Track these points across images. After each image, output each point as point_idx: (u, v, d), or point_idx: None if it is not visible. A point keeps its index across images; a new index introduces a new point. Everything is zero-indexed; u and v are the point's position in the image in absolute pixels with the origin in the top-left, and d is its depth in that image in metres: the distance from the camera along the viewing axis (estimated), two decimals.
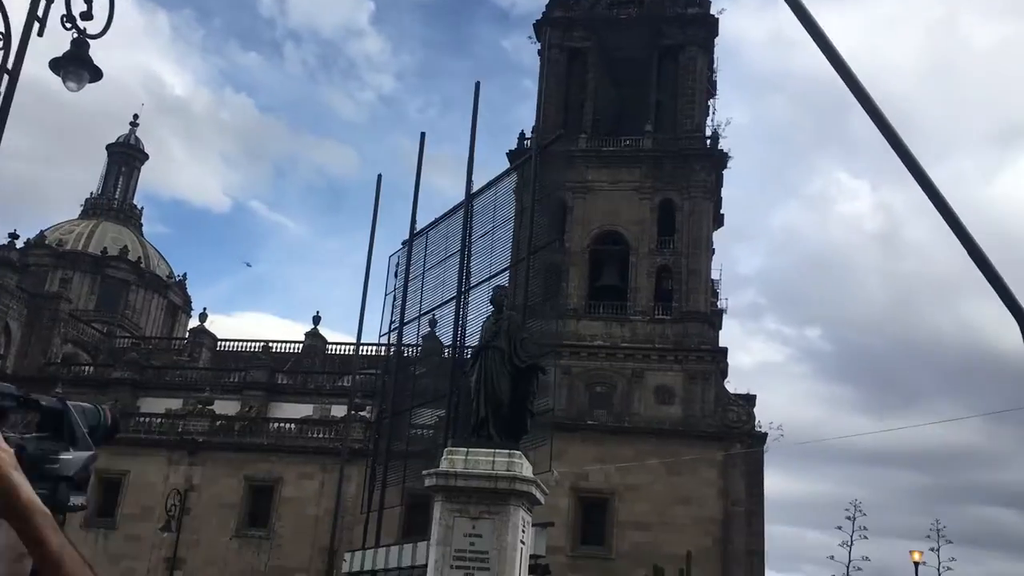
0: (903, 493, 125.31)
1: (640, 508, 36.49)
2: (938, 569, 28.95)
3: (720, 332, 43.12)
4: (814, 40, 7.35)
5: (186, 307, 64.53)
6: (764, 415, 60.30)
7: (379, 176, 28.56)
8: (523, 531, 11.99)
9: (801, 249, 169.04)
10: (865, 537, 24.29)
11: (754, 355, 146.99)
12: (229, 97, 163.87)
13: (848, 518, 23.49)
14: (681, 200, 41.94)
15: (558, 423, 38.00)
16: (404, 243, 24.80)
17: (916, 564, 28.19)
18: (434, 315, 23.98)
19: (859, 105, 7.45)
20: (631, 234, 41.85)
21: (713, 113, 45.14)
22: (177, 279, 64.40)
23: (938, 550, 26.40)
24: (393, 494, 23.59)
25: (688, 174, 42.08)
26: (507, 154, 41.59)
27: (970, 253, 7.11)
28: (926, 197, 7.48)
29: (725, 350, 41.29)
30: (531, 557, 15.31)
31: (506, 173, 21.80)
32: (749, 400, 41.72)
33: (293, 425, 41.45)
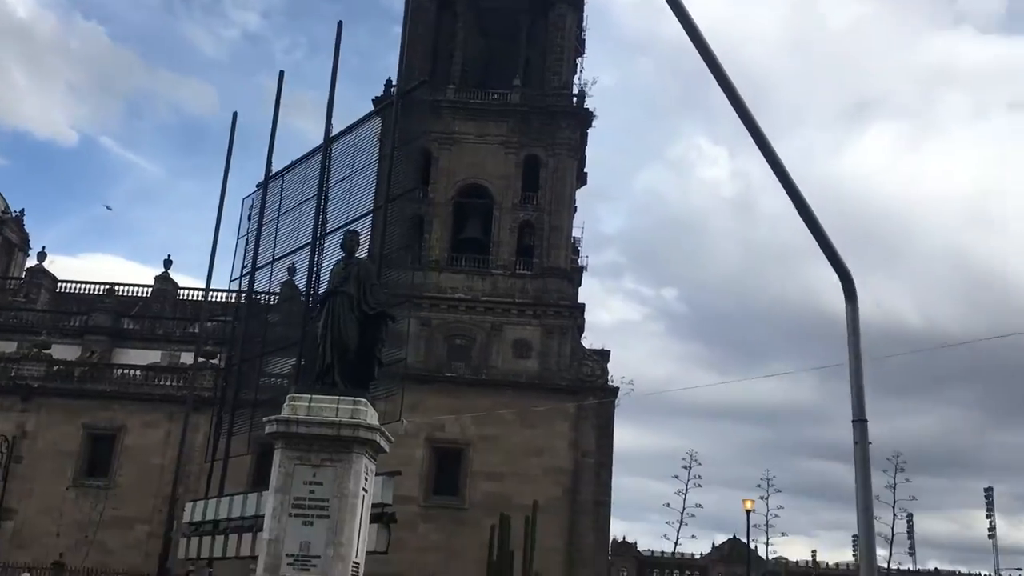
0: (742, 447, 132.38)
1: (494, 459, 37.03)
2: (766, 516, 30.68)
3: (579, 289, 43.91)
4: (671, 9, 7.37)
5: (23, 245, 60.49)
6: (619, 371, 62.10)
7: (234, 114, 27.31)
8: (366, 479, 11.84)
9: (662, 211, 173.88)
10: (699, 486, 25.47)
11: (613, 313, 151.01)
12: (78, 24, 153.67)
13: (684, 467, 24.55)
14: (546, 157, 42.19)
15: (415, 375, 38.04)
16: (259, 186, 23.92)
17: (748, 512, 29.85)
18: (293, 263, 23.33)
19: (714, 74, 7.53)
20: (496, 188, 41.87)
21: (581, 72, 45.43)
22: (13, 215, 60.25)
23: (767, 498, 28.07)
24: (241, 443, 23.03)
25: (554, 131, 42.33)
26: (372, 101, 40.69)
27: (801, 214, 7.35)
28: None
29: (583, 306, 42.10)
30: (377, 506, 15.22)
31: (367, 117, 21.26)
32: (604, 356, 42.86)
33: (138, 372, 39.80)
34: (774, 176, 7.33)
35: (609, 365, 41.34)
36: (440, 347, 39.62)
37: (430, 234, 41.31)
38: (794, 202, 7.03)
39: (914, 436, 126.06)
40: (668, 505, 24.65)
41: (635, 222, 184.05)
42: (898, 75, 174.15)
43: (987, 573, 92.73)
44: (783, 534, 29.97)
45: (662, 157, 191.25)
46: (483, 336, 39.69)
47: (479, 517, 34.52)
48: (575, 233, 44.01)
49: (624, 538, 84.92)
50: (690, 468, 23.91)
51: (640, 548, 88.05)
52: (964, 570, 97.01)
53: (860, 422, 7.18)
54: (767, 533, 28.55)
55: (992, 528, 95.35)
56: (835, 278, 7.45)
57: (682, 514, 24.05)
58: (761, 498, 27.79)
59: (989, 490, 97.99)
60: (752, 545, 61.79)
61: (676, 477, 24.51)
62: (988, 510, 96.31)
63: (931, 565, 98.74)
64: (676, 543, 25.21)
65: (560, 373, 39.08)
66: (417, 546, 34.82)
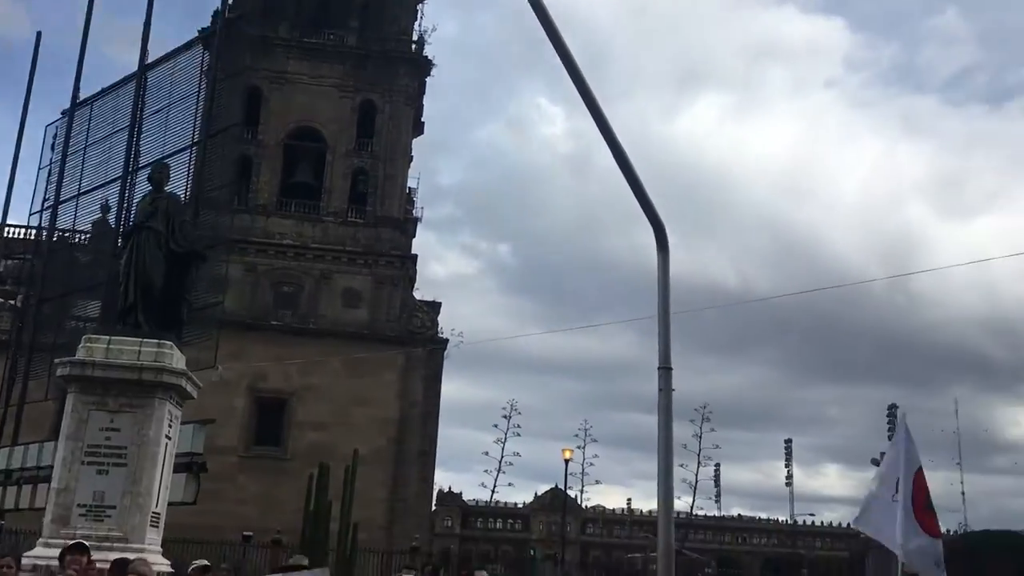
0: (567, 400, 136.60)
1: (319, 409, 36.40)
2: (582, 465, 31.75)
3: (413, 240, 43.52)
4: None
5: None
6: (451, 324, 62.35)
7: (38, 34, 24.98)
8: (170, 426, 11.24)
9: (500, 167, 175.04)
10: (518, 435, 25.99)
11: (448, 266, 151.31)
12: None
13: (505, 417, 24.98)
14: (382, 103, 41.30)
15: (238, 321, 36.66)
16: (64, 113, 22.08)
17: (566, 461, 30.97)
18: (106, 199, 21.74)
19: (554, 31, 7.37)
20: (329, 132, 40.67)
21: (421, 19, 44.52)
22: None
23: (584, 448, 29.02)
24: (39, 389, 21.44)
25: (391, 77, 41.43)
26: (199, 31, 38.37)
27: (617, 160, 7.37)
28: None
29: (415, 257, 41.77)
30: (186, 455, 14.56)
31: (186, 46, 19.92)
32: (434, 307, 42.76)
33: None
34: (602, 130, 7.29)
35: (440, 317, 41.44)
36: (266, 294, 38.39)
37: (258, 177, 39.73)
38: (611, 148, 7.03)
39: (725, 391, 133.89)
40: (487, 454, 25.17)
41: (473, 176, 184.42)
42: (726, 48, 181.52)
43: (784, 518, 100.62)
44: (597, 482, 31.33)
45: (502, 113, 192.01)
46: (311, 284, 38.74)
47: (301, 468, 33.80)
48: (411, 183, 43.54)
49: (450, 488, 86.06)
50: (509, 418, 24.49)
51: (466, 498, 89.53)
52: (764, 516, 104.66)
53: (665, 369, 7.34)
54: (582, 481, 29.70)
55: (790, 477, 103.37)
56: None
57: (500, 463, 24.69)
58: (578, 447, 28.81)
59: (789, 442, 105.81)
60: (571, 494, 64.21)
61: (496, 426, 25.00)
62: (787, 460, 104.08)
63: (735, 511, 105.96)
64: (493, 491, 25.94)
65: (390, 324, 38.74)
66: (236, 497, 33.94)
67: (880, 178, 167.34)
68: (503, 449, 25.00)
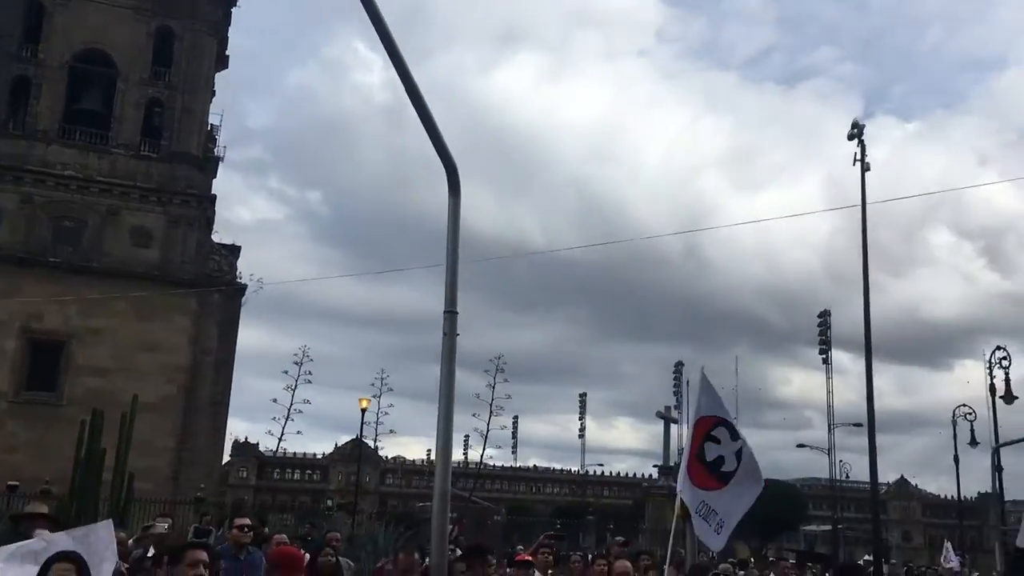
0: (369, 351, 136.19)
1: (101, 353, 34.19)
2: (377, 414, 31.77)
3: (214, 180, 41.38)
4: None
5: None
6: (255, 270, 59.74)
7: None
8: None
9: (312, 112, 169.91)
10: (309, 381, 25.59)
11: (256, 212, 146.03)
12: None
13: (296, 363, 24.53)
14: (182, 31, 38.77)
15: (9, 256, 33.91)
16: None
17: (363, 410, 30.88)
18: None
19: None
20: (121, 58, 37.76)
21: None
22: None
23: (379, 397, 29.07)
24: None
25: (192, 3, 38.91)
26: None
27: (411, 97, 7.14)
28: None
29: (214, 197, 39.71)
30: None
31: None
32: (234, 251, 40.95)
33: None
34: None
35: (240, 262, 39.73)
36: (44, 228, 35.44)
37: (38, 100, 36.50)
38: (402, 81, 6.78)
39: (529, 346, 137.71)
40: (275, 401, 24.67)
41: (284, 120, 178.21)
42: (545, 8, 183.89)
43: (576, 468, 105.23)
44: (392, 431, 31.42)
45: (317, 56, 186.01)
46: (97, 220, 36.06)
47: (76, 414, 31.66)
48: (213, 120, 41.21)
49: (246, 439, 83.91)
50: (301, 364, 24.05)
51: (264, 450, 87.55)
52: (558, 466, 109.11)
53: (450, 313, 7.25)
54: (376, 431, 29.70)
55: (583, 430, 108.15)
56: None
57: (289, 410, 24.27)
58: (374, 396, 28.76)
59: (583, 395, 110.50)
60: (372, 444, 64.10)
61: (286, 372, 24.47)
62: (581, 413, 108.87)
63: (531, 462, 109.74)
64: (280, 439, 25.47)
65: (184, 266, 36.79)
66: (5, 444, 31.74)
67: (682, 149, 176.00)
68: (292, 396, 24.68)
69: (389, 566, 8.52)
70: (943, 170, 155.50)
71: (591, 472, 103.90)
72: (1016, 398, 27.47)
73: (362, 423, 31.05)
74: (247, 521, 8.09)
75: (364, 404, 30.68)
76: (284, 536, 9.90)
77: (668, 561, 9.31)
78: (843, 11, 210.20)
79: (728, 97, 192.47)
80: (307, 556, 7.51)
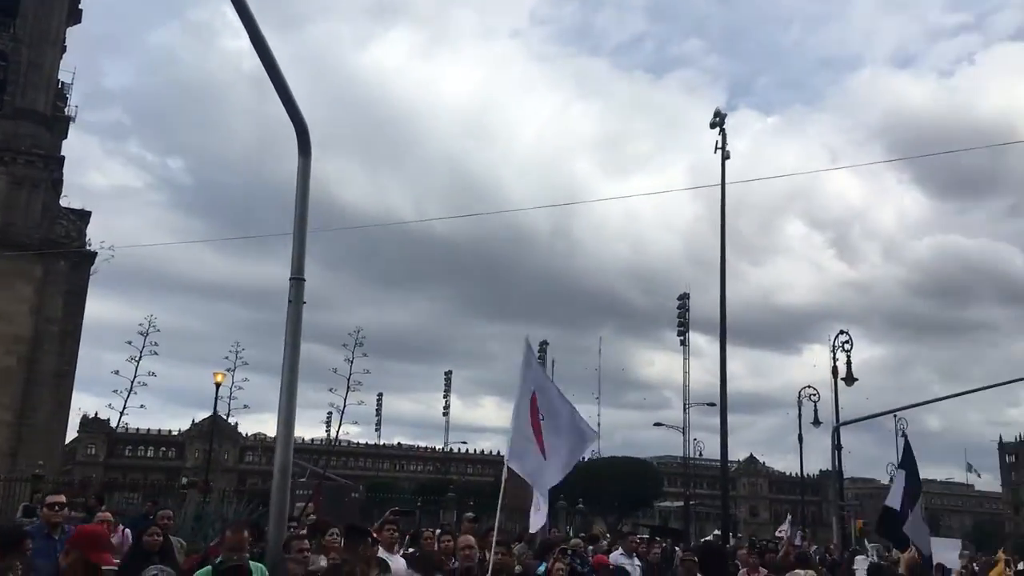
0: (230, 324, 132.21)
1: None
2: (231, 388, 30.79)
3: (65, 141, 39.03)
4: None
5: None
6: (111, 239, 56.62)
7: None
8: None
9: (176, 76, 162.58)
10: (155, 353, 24.47)
11: (112, 177, 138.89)
12: None
13: (141, 334, 23.45)
14: None
15: None
16: None
17: (217, 385, 30.03)
18: None
19: None
20: None
21: None
22: None
23: (233, 371, 28.10)
24: None
25: None
26: None
27: (259, 52, 6.81)
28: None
29: (62, 159, 37.55)
30: None
31: None
32: (83, 217, 38.77)
33: None
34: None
35: (91, 229, 37.73)
36: None
37: None
38: (252, 40, 6.46)
39: (396, 324, 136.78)
40: (117, 372, 23.34)
41: (145, 82, 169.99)
42: None
43: (440, 446, 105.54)
44: (245, 406, 30.45)
45: (183, 17, 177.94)
46: None
47: None
48: (64, 77, 38.82)
49: (96, 414, 79.94)
50: (146, 335, 22.83)
51: (116, 426, 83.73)
52: (423, 444, 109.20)
53: (297, 280, 7.02)
54: (229, 406, 28.68)
55: (447, 407, 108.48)
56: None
57: (132, 383, 23.01)
58: (228, 371, 27.75)
59: (449, 373, 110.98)
60: (231, 421, 62.25)
61: (130, 343, 23.15)
62: (446, 391, 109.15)
63: (396, 440, 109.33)
64: (122, 414, 24.15)
65: (27, 231, 34.62)
66: None
67: (554, 132, 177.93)
68: (136, 368, 23.40)
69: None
70: (798, 164, 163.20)
71: (455, 450, 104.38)
72: (856, 380, 29.06)
73: (216, 398, 30.05)
74: (61, 499, 7.73)
75: (219, 378, 29.62)
76: (108, 514, 9.42)
77: (519, 538, 9.36)
78: (711, 3, 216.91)
79: (599, 82, 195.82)
80: (126, 533, 7.15)
